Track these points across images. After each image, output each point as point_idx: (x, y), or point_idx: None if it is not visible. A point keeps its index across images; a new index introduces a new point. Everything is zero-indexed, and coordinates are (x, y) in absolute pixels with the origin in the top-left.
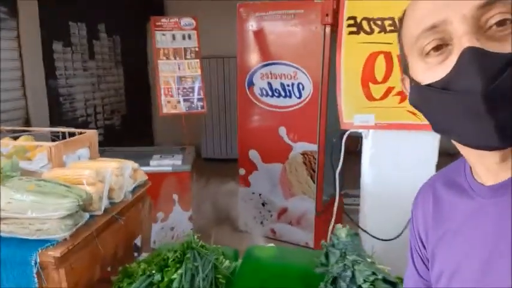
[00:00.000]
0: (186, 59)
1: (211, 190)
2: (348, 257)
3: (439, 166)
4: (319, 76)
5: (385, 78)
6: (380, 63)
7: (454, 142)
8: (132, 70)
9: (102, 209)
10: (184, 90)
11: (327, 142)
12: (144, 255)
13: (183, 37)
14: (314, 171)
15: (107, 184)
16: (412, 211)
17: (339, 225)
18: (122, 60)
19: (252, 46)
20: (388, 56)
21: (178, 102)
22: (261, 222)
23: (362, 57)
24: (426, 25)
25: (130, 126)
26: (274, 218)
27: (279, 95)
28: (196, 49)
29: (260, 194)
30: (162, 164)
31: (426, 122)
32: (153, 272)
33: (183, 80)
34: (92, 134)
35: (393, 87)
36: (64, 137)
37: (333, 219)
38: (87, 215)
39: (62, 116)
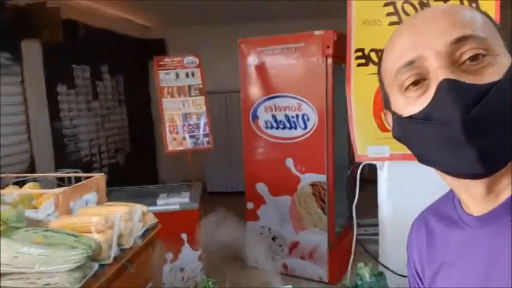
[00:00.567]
0: (190, 96)
1: (219, 226)
2: None
3: None
4: (323, 106)
5: None
6: None
7: (439, 173)
8: (135, 108)
9: (112, 257)
10: (190, 127)
11: (335, 172)
12: None
13: (187, 75)
14: (324, 202)
15: (116, 231)
16: (407, 247)
17: (361, 264)
18: (125, 99)
19: (254, 80)
20: None
21: (184, 139)
22: (272, 258)
23: (372, 88)
24: (404, 61)
25: (134, 164)
26: (286, 253)
27: (284, 127)
28: (200, 86)
29: (270, 228)
30: (169, 202)
31: None
32: None
33: (188, 117)
34: (99, 178)
35: None
36: (70, 180)
37: (351, 256)
38: (96, 265)
39: (66, 157)
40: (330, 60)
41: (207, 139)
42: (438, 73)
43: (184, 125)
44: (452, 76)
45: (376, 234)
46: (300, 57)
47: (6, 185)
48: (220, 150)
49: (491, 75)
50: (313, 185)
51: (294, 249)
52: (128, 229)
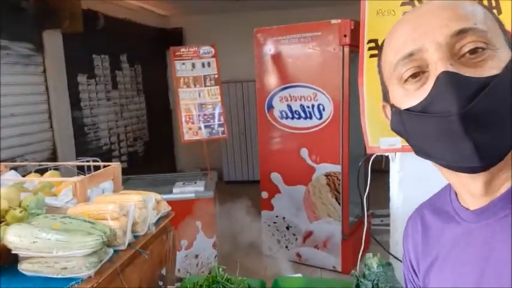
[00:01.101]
0: (206, 86)
1: (234, 214)
2: None
3: None
4: (339, 96)
5: None
6: None
7: (437, 166)
8: (153, 98)
9: (126, 243)
10: (205, 116)
11: (351, 162)
12: None
13: (203, 65)
14: (339, 193)
15: (130, 218)
16: (403, 241)
17: (370, 255)
18: (143, 88)
19: (270, 70)
20: None
21: (200, 128)
22: (286, 246)
23: None
24: (404, 53)
25: (153, 152)
26: (300, 242)
27: (299, 117)
28: (216, 76)
29: (284, 218)
30: (185, 191)
31: None
32: None
33: (204, 107)
34: (115, 167)
35: None
36: (89, 168)
37: (362, 246)
38: (111, 251)
39: (87, 145)
40: (346, 49)
41: (222, 129)
42: (438, 65)
43: (199, 115)
44: (451, 69)
45: None
46: (316, 46)
47: (29, 173)
48: (237, 140)
49: (491, 68)
50: (327, 175)
51: (308, 238)
52: (142, 217)
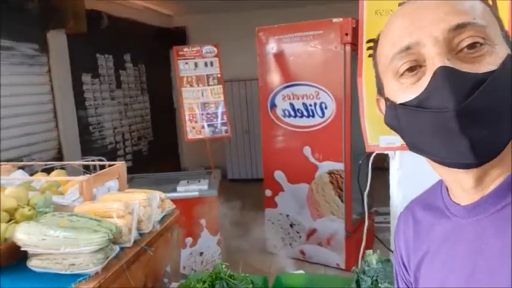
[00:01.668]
0: (209, 85)
1: (238, 212)
2: (380, 285)
3: None
4: (341, 94)
5: None
6: None
7: (429, 162)
8: (157, 97)
9: (132, 240)
10: (208, 115)
11: (353, 160)
12: (174, 284)
13: (205, 64)
14: (342, 190)
15: (135, 216)
16: (394, 238)
17: (370, 251)
18: (147, 87)
19: (272, 68)
20: None
21: (203, 127)
22: (290, 244)
23: None
24: (400, 47)
25: (157, 151)
26: (303, 239)
27: (302, 115)
28: (219, 75)
29: (288, 215)
30: (189, 189)
31: None
32: None
33: (207, 106)
34: (120, 166)
35: None
36: (95, 167)
37: (363, 244)
38: (117, 248)
39: (92, 144)
40: (348, 48)
41: (225, 128)
42: (435, 60)
43: (202, 114)
44: (448, 64)
45: None
46: (318, 44)
47: (35, 172)
48: (241, 138)
49: (489, 64)
50: (330, 173)
51: (312, 236)
52: (146, 214)
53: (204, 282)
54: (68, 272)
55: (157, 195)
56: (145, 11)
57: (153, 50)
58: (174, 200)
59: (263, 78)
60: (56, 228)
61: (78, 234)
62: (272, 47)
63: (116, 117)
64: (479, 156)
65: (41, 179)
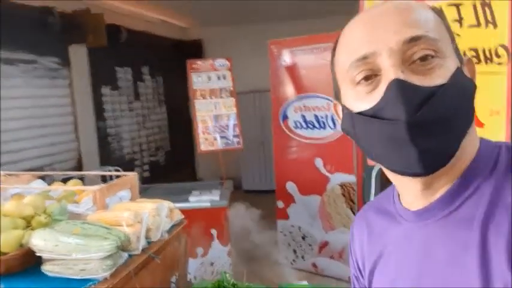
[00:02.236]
0: (221, 97)
1: (250, 223)
2: None
3: None
4: None
5: None
6: None
7: (383, 169)
8: (174, 108)
9: (140, 248)
10: (221, 127)
11: (366, 171)
12: None
13: (218, 77)
14: (354, 203)
15: (144, 225)
16: (349, 243)
17: None
18: (164, 99)
19: (284, 81)
20: None
21: (215, 139)
22: (302, 257)
23: None
24: (357, 56)
25: (174, 161)
26: (315, 252)
27: (314, 127)
28: (231, 88)
29: (300, 227)
30: (200, 200)
31: None
32: None
33: (219, 118)
34: (132, 177)
35: None
36: (111, 178)
37: None
38: (126, 255)
39: (110, 154)
40: None
41: (237, 139)
42: (389, 71)
43: (215, 126)
44: (402, 76)
45: None
46: (329, 56)
47: (54, 181)
48: (255, 149)
49: (439, 77)
50: (342, 185)
51: (324, 248)
52: (155, 224)
53: None
54: (78, 277)
55: (166, 205)
56: (162, 24)
57: (170, 62)
58: (186, 210)
59: (275, 90)
60: (69, 235)
61: (89, 241)
62: (284, 59)
63: (134, 128)
64: (427, 168)
65: (58, 188)
